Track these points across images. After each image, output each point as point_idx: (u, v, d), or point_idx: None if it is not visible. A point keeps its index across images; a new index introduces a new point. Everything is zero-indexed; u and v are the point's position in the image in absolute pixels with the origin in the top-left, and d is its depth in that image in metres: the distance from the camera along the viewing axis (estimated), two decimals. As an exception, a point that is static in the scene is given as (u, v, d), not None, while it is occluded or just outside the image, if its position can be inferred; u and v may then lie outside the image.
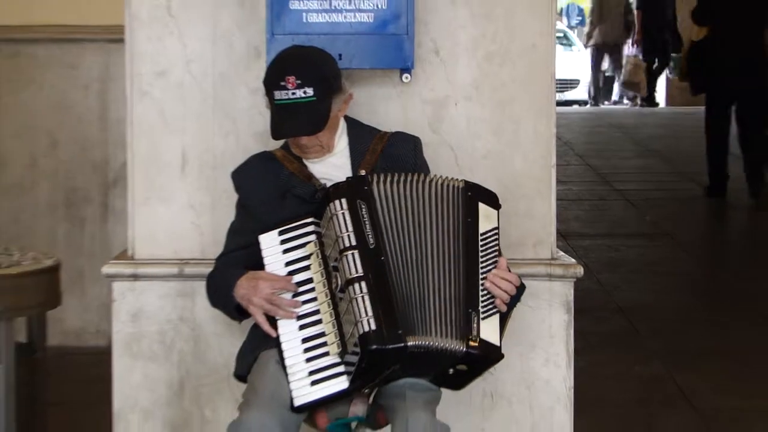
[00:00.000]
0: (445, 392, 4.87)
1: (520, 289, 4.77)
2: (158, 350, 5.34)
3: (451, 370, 4.73)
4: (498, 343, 4.64)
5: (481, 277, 4.67)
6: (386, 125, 5.15)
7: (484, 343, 4.59)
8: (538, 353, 5.34)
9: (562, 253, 5.43)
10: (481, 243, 4.70)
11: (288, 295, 4.72)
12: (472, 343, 4.56)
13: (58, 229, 8.46)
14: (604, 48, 28.90)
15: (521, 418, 5.35)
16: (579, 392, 5.38)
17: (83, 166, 8.64)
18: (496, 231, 4.76)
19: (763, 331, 9.21)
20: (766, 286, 10.65)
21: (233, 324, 5.14)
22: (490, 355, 4.64)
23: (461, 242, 4.71)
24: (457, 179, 4.81)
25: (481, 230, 4.72)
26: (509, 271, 4.75)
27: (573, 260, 5.40)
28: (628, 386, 7.58)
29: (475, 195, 4.76)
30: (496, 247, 4.74)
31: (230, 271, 4.79)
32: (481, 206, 4.75)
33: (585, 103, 30.04)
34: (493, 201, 4.80)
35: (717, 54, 15.00)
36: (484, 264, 4.68)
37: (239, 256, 4.86)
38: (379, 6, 5.23)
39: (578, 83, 31.78)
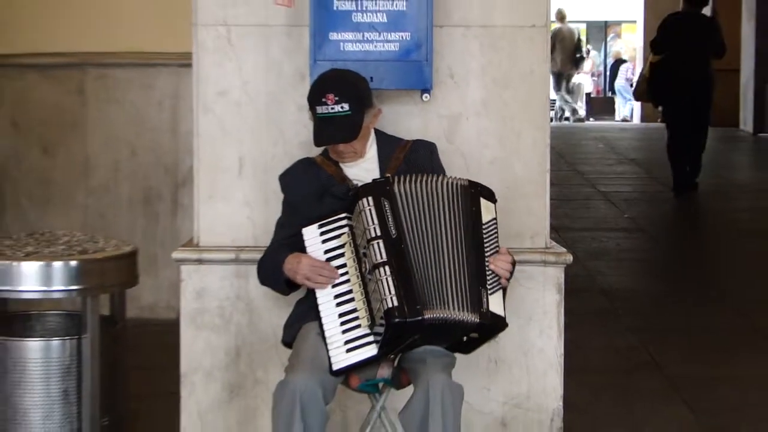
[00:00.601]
0: (457, 357, 4.88)
1: (514, 266, 4.82)
2: (218, 322, 5.33)
3: (464, 338, 4.78)
4: (503, 314, 4.70)
5: (486, 259, 4.70)
6: (408, 136, 5.15)
7: (493, 315, 4.64)
8: (534, 326, 5.32)
9: (554, 243, 5.42)
10: (483, 231, 4.73)
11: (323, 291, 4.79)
12: (483, 315, 4.61)
13: (136, 222, 8.48)
14: (560, 75, 28.86)
15: (520, 380, 5.33)
16: (567, 359, 5.36)
17: (157, 170, 8.65)
18: (495, 221, 4.81)
19: (722, 309, 9.17)
20: (722, 269, 10.63)
21: (280, 300, 5.15)
22: (498, 325, 4.69)
23: (468, 231, 4.74)
24: (462, 178, 4.84)
25: (484, 220, 4.76)
26: (508, 257, 4.79)
27: (564, 249, 5.39)
28: (609, 355, 7.56)
29: (477, 191, 4.79)
30: (496, 234, 4.78)
31: (279, 253, 4.83)
32: (482, 201, 4.79)
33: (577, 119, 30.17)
34: (491, 196, 4.84)
35: (671, 76, 15.23)
36: (488, 248, 4.72)
37: (285, 245, 4.85)
38: (404, 37, 5.22)
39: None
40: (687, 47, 15.12)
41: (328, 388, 4.69)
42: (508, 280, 4.80)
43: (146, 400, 6.17)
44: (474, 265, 4.71)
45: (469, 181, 4.86)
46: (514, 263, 4.82)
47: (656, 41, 16.21)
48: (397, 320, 4.54)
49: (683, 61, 15.18)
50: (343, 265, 4.78)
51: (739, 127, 21.61)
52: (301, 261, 4.72)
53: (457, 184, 4.82)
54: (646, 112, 26.71)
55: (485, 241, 4.75)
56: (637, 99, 18.73)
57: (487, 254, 4.74)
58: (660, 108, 16.65)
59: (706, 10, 19.21)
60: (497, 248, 4.78)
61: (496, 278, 4.74)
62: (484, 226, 4.76)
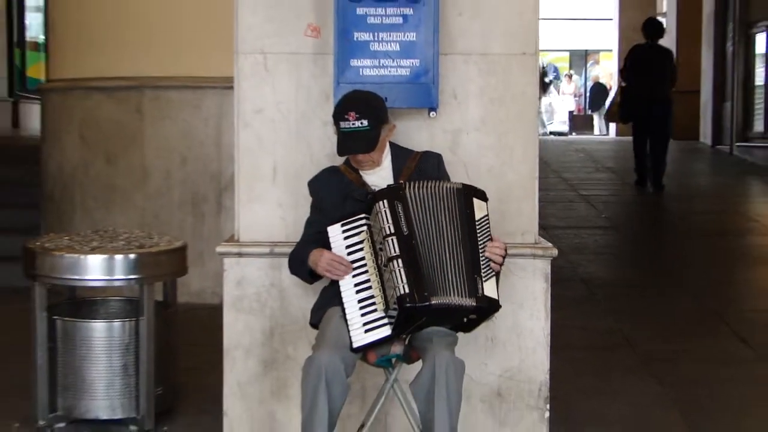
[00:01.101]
0: (459, 336, 4.88)
1: (506, 252, 4.85)
2: (255, 307, 5.32)
3: (465, 320, 4.79)
4: (497, 297, 4.73)
5: (480, 250, 4.72)
6: (418, 148, 5.14)
7: (487, 299, 4.67)
8: (525, 310, 5.31)
9: (542, 239, 5.40)
10: (477, 226, 4.76)
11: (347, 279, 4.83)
12: (479, 300, 4.64)
13: (186, 221, 8.49)
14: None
15: (512, 356, 5.32)
16: (553, 338, 5.35)
17: (203, 177, 8.66)
18: (487, 216, 4.83)
19: (683, 295, 9.15)
20: (683, 262, 10.61)
21: (308, 287, 5.16)
22: (492, 307, 4.72)
23: (464, 227, 4.77)
24: (457, 182, 4.88)
25: (477, 217, 4.78)
26: (501, 245, 4.82)
27: (550, 244, 5.37)
28: (588, 335, 7.54)
29: (470, 192, 4.82)
30: (489, 228, 4.81)
31: (305, 248, 4.86)
32: (475, 200, 4.81)
33: (561, 134, 30.09)
34: (483, 196, 4.87)
35: (637, 97, 15.76)
36: (481, 241, 4.74)
37: (312, 240, 4.88)
38: (414, 64, 5.21)
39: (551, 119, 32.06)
40: (649, 73, 15.52)
41: (348, 363, 4.73)
42: (500, 264, 4.81)
43: (194, 373, 6.17)
44: (470, 255, 4.73)
45: (463, 184, 4.87)
46: (505, 249, 4.84)
47: (624, 69, 16.64)
48: (408, 305, 4.58)
49: (646, 85, 15.53)
50: (362, 258, 4.79)
51: (699, 140, 21.61)
52: (323, 255, 4.74)
53: (452, 187, 4.84)
54: (620, 127, 26.72)
55: (479, 234, 4.77)
56: (608, 121, 19.21)
57: (480, 245, 4.76)
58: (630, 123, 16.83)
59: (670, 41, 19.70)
60: (490, 239, 4.81)
61: (488, 266, 4.77)
62: (477, 222, 4.78)
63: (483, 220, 4.81)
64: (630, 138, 17.19)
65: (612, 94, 21.28)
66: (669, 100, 16.07)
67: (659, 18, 27.62)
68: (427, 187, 4.82)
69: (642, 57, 16.09)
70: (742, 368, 7.04)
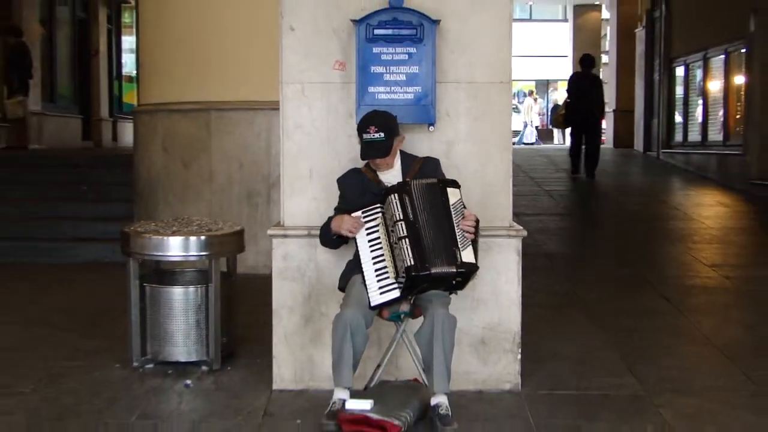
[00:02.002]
0: (452, 298, 4.88)
1: (479, 223, 4.90)
2: (296, 276, 5.30)
3: (453, 282, 4.78)
4: (474, 261, 4.78)
5: (456, 226, 4.75)
6: (421, 154, 5.12)
7: (465, 264, 4.71)
8: (502, 277, 5.27)
9: (515, 224, 5.36)
10: (452, 209, 4.80)
11: (364, 245, 4.87)
12: (458, 266, 4.70)
13: (243, 211, 8.48)
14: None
15: (492, 313, 5.29)
16: (524, 299, 5.32)
17: (256, 177, 8.66)
18: (460, 200, 4.87)
19: (623, 266, 9.11)
20: (622, 240, 10.57)
21: (336, 261, 5.19)
22: (471, 269, 4.76)
23: (442, 211, 4.80)
24: (431, 179, 4.94)
25: (451, 202, 4.81)
26: (472, 217, 4.88)
27: (521, 228, 5.34)
28: (550, 297, 7.51)
29: (444, 185, 4.88)
30: (462, 209, 4.86)
31: (329, 221, 4.95)
32: (448, 189, 4.85)
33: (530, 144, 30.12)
34: (455, 184, 4.91)
35: (575, 111, 16.32)
36: (457, 220, 4.77)
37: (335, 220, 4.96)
38: (417, 90, 5.20)
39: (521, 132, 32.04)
40: (583, 94, 16.07)
41: (368, 319, 4.78)
42: (475, 234, 4.84)
43: (250, 326, 6.15)
44: (448, 232, 4.78)
45: (437, 179, 4.95)
46: (477, 221, 4.89)
47: (567, 91, 17.35)
48: (413, 274, 4.62)
49: (582, 102, 16.06)
50: (377, 238, 4.84)
51: (634, 148, 21.56)
52: (343, 219, 4.84)
53: (430, 183, 4.90)
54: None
55: (454, 215, 4.80)
56: (554, 126, 19.80)
57: (456, 223, 4.78)
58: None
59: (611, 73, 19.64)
60: (462, 216, 4.84)
61: (464, 237, 4.79)
62: (452, 205, 4.81)
63: (456, 203, 4.85)
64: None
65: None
66: (596, 116, 16.69)
67: (603, 55, 27.71)
68: (422, 184, 4.86)
69: (578, 81, 16.57)
70: (665, 320, 7.01)
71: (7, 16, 16.54)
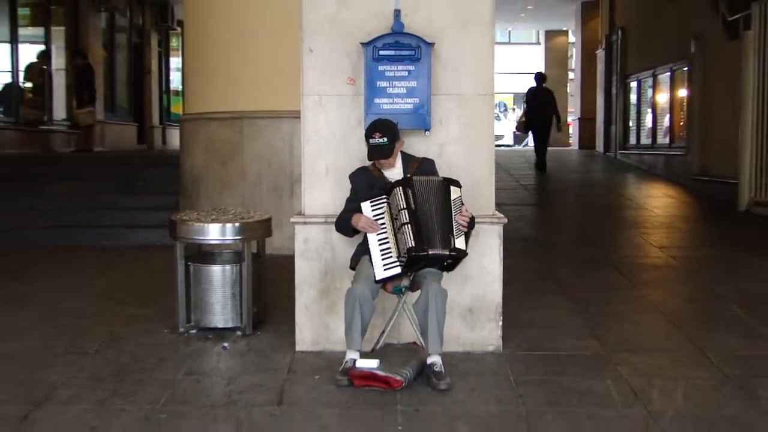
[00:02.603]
0: (444, 274, 4.85)
1: (473, 219, 4.88)
2: (315, 256, 5.28)
3: (446, 263, 4.78)
4: (464, 248, 4.79)
5: (454, 218, 4.76)
6: (418, 154, 5.09)
7: (457, 249, 4.72)
8: (486, 257, 5.25)
9: (497, 212, 5.34)
10: (452, 203, 4.80)
11: (374, 236, 4.86)
12: (451, 250, 4.70)
13: (271, 202, 8.47)
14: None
15: (478, 288, 5.26)
16: (504, 275, 5.30)
17: (281, 174, 8.66)
18: (460, 197, 4.85)
19: (587, 247, 9.10)
20: (586, 226, 10.56)
21: (347, 245, 5.14)
22: (461, 254, 4.76)
23: (444, 204, 4.80)
24: (441, 177, 4.96)
25: (453, 197, 4.81)
26: (468, 214, 4.85)
27: (502, 216, 5.32)
28: (527, 273, 7.49)
29: (448, 183, 4.87)
30: (461, 205, 4.83)
31: (348, 215, 4.93)
32: (451, 187, 4.85)
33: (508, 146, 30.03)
34: (457, 183, 4.90)
35: (533, 118, 16.90)
36: (454, 212, 4.77)
37: (350, 210, 4.95)
38: (415, 101, 5.19)
39: (503, 137, 31.94)
40: (538, 106, 16.75)
41: (374, 292, 4.79)
42: (468, 227, 4.83)
43: (276, 299, 6.14)
44: (447, 222, 4.77)
45: (444, 178, 4.92)
46: (472, 218, 4.87)
47: (525, 102, 17.69)
48: (413, 254, 4.63)
49: (536, 114, 16.78)
50: (384, 224, 4.82)
51: (596, 149, 21.54)
52: (360, 218, 4.83)
53: (438, 180, 4.89)
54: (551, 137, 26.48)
55: (453, 208, 4.79)
56: (518, 130, 20.10)
57: (454, 215, 4.77)
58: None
59: (576, 87, 19.67)
60: (461, 211, 4.82)
61: (459, 228, 4.77)
62: (453, 201, 4.81)
63: (456, 199, 4.83)
64: (552, 148, 17.46)
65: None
66: (549, 123, 17.02)
67: (570, 72, 27.67)
68: (425, 180, 4.85)
69: (533, 94, 17.14)
70: (621, 292, 7.00)
71: (75, 41, 16.62)
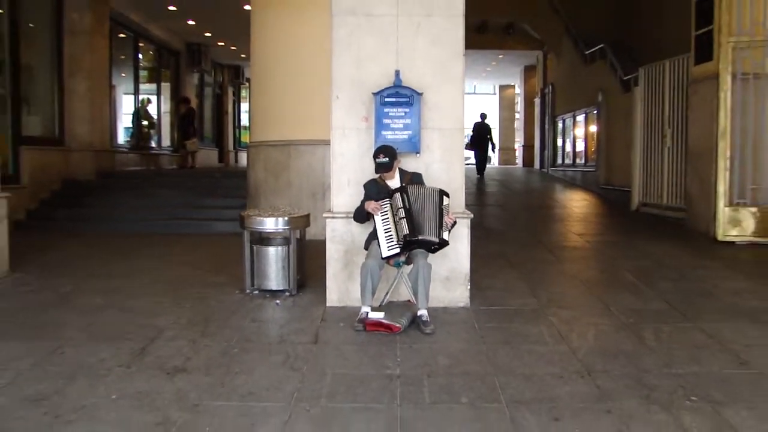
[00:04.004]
0: (430, 255, 4.80)
1: (455, 222, 4.81)
2: (339, 240, 5.24)
3: (433, 247, 4.75)
4: (447, 239, 4.73)
5: (444, 217, 4.71)
6: (411, 170, 5.04)
7: (442, 239, 4.66)
8: (459, 241, 5.20)
9: (467, 210, 5.29)
10: (444, 208, 4.73)
11: (380, 221, 4.76)
12: (440, 238, 4.65)
13: (310, 203, 8.40)
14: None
15: (453, 261, 5.22)
16: (471, 253, 5.27)
17: (316, 183, 8.62)
18: (448, 204, 4.78)
19: (531, 235, 9.04)
20: (530, 222, 10.48)
21: (362, 233, 5.07)
22: (444, 243, 4.71)
23: (437, 207, 4.73)
24: (437, 188, 4.86)
25: (444, 203, 4.74)
26: (453, 218, 4.76)
27: (470, 213, 5.27)
28: (488, 252, 7.43)
29: (442, 193, 4.78)
30: (448, 208, 4.77)
31: (361, 206, 4.91)
32: (444, 197, 4.77)
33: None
34: (447, 194, 4.80)
35: (477, 142, 17.79)
36: (445, 214, 4.72)
37: (363, 209, 4.87)
38: (410, 133, 5.18)
39: (470, 158, 31.71)
40: (479, 133, 17.59)
41: (380, 265, 4.76)
42: (450, 225, 4.78)
43: (313, 269, 6.09)
44: (438, 219, 4.69)
45: (440, 189, 4.84)
46: (455, 220, 4.84)
47: (473, 131, 18.06)
48: (409, 239, 4.59)
49: (478, 137, 17.61)
50: (387, 218, 4.75)
51: (534, 167, 21.47)
52: (370, 203, 4.79)
53: (436, 189, 4.82)
54: (502, 160, 26.45)
55: (444, 211, 4.72)
56: (467, 149, 20.44)
57: (444, 216, 4.71)
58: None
59: (521, 123, 19.63)
60: (448, 213, 4.77)
61: (446, 225, 4.72)
62: (444, 206, 4.74)
63: (446, 206, 4.77)
64: (507, 166, 17.36)
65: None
66: (487, 149, 17.99)
67: (516, 113, 27.61)
68: (418, 188, 4.81)
69: (477, 127, 17.85)
70: (552, 265, 6.93)
71: (177, 93, 16.70)
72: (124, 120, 14.60)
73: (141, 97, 15.14)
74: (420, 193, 4.77)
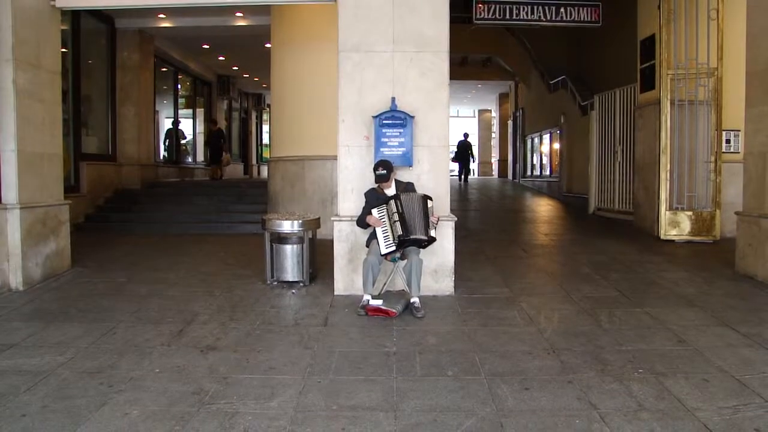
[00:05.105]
0: (421, 251, 4.78)
1: (439, 219, 4.85)
2: (345, 239, 5.22)
3: (424, 243, 4.72)
4: (434, 236, 4.71)
5: (430, 218, 4.68)
6: (404, 180, 5.01)
7: (430, 236, 4.63)
8: (445, 239, 5.19)
9: (451, 214, 5.28)
10: (429, 210, 4.70)
11: (379, 228, 4.70)
12: (428, 236, 4.62)
13: (320, 209, 8.36)
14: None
15: (440, 257, 5.21)
16: (456, 250, 5.26)
17: (326, 192, 8.55)
18: (432, 206, 4.76)
19: (507, 235, 9.01)
20: (506, 222, 10.45)
21: (364, 233, 5.04)
22: (432, 240, 4.69)
23: (423, 210, 4.69)
24: (422, 194, 4.80)
25: (429, 206, 4.72)
26: (437, 218, 4.73)
27: (454, 216, 5.26)
28: (469, 250, 7.39)
29: (426, 197, 4.75)
30: (432, 210, 4.75)
31: (363, 216, 4.83)
32: (428, 201, 4.74)
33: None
34: (431, 198, 4.78)
35: (461, 157, 17.94)
36: (430, 215, 4.69)
37: (365, 214, 4.83)
38: (404, 150, 5.14)
39: (454, 170, 31.56)
40: (463, 151, 17.82)
41: (379, 260, 4.73)
42: (436, 224, 4.76)
43: (323, 264, 6.08)
44: (425, 220, 4.66)
45: (424, 194, 4.79)
46: (438, 218, 4.83)
47: (456, 147, 18.27)
48: (403, 239, 4.56)
49: (462, 155, 17.84)
50: (384, 221, 4.71)
51: (507, 178, 21.42)
52: (371, 217, 4.72)
53: (420, 195, 4.76)
54: (481, 171, 26.41)
55: (429, 213, 4.70)
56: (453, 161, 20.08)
57: (430, 216, 4.68)
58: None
59: (496, 141, 19.60)
60: (432, 214, 4.75)
61: (431, 224, 4.69)
62: (429, 208, 4.71)
63: (431, 208, 4.74)
64: (487, 177, 17.29)
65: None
66: (469, 160, 18.19)
67: (492, 133, 27.58)
68: (410, 195, 4.76)
69: (461, 144, 18.05)
70: (523, 260, 6.87)
71: (210, 116, 16.61)
72: (163, 138, 14.63)
73: (171, 119, 15.12)
74: (410, 199, 4.75)
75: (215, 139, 15.42)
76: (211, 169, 15.61)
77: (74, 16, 9.37)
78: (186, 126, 15.86)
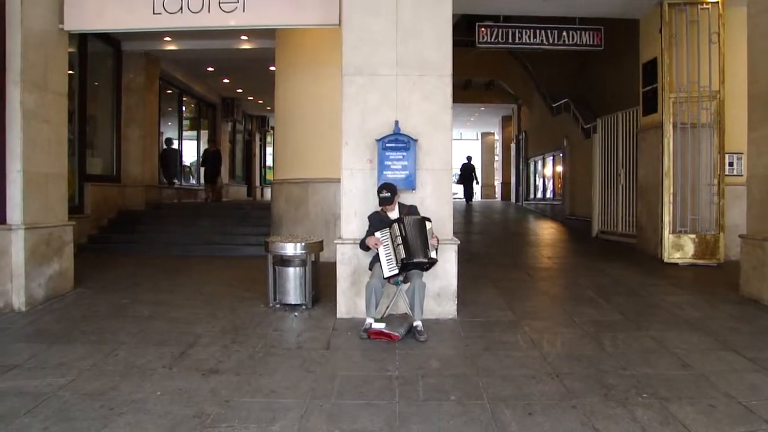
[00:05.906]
0: (424, 273, 4.79)
1: (438, 241, 4.85)
2: (348, 262, 5.24)
3: (425, 266, 4.74)
4: (436, 258, 4.72)
5: (429, 240, 4.69)
6: (407, 203, 5.05)
7: (432, 259, 4.65)
8: (448, 263, 5.20)
9: (454, 237, 5.30)
10: (428, 231, 4.72)
11: (381, 248, 4.74)
12: (429, 259, 4.63)
13: (323, 231, 8.35)
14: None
15: (443, 280, 5.21)
16: (459, 274, 5.26)
17: (329, 215, 8.58)
18: (431, 228, 4.78)
19: (509, 259, 9.01)
20: (507, 245, 10.45)
21: (367, 256, 5.06)
22: (434, 262, 4.71)
23: (421, 233, 4.72)
24: (421, 216, 4.85)
25: (428, 228, 4.74)
26: (436, 238, 4.76)
27: (457, 240, 5.28)
28: (471, 273, 7.40)
29: (424, 219, 4.78)
30: (432, 231, 4.77)
31: (365, 239, 4.84)
32: (426, 222, 4.76)
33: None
34: (429, 220, 4.81)
35: (464, 178, 18.58)
36: (429, 237, 4.71)
37: (367, 237, 4.85)
38: (407, 173, 5.18)
39: (457, 193, 31.58)
40: (467, 172, 18.47)
41: (382, 283, 4.74)
42: (437, 246, 4.78)
43: (326, 286, 6.08)
44: (425, 242, 4.69)
45: (423, 216, 4.83)
46: (438, 240, 4.83)
47: (460, 170, 19.08)
48: (405, 261, 4.59)
49: (466, 175, 18.53)
50: (388, 244, 4.75)
51: (510, 200, 21.44)
52: (371, 238, 4.76)
53: (419, 218, 4.80)
54: (484, 194, 26.45)
55: (429, 235, 4.72)
56: (457, 183, 19.85)
57: (429, 239, 4.70)
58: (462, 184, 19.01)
59: (499, 164, 19.81)
60: (432, 235, 4.76)
61: (433, 246, 4.71)
62: (428, 230, 4.74)
63: (430, 229, 4.76)
64: (487, 200, 17.35)
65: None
66: (471, 180, 18.56)
67: (496, 156, 27.71)
68: (411, 219, 4.78)
69: (464, 167, 18.94)
70: (527, 284, 6.86)
71: (214, 138, 16.75)
72: (163, 160, 14.75)
73: (186, 143, 15.23)
74: (412, 222, 4.78)
75: (213, 160, 15.52)
76: (214, 190, 15.69)
77: (81, 39, 9.54)
78: (189, 147, 15.95)
